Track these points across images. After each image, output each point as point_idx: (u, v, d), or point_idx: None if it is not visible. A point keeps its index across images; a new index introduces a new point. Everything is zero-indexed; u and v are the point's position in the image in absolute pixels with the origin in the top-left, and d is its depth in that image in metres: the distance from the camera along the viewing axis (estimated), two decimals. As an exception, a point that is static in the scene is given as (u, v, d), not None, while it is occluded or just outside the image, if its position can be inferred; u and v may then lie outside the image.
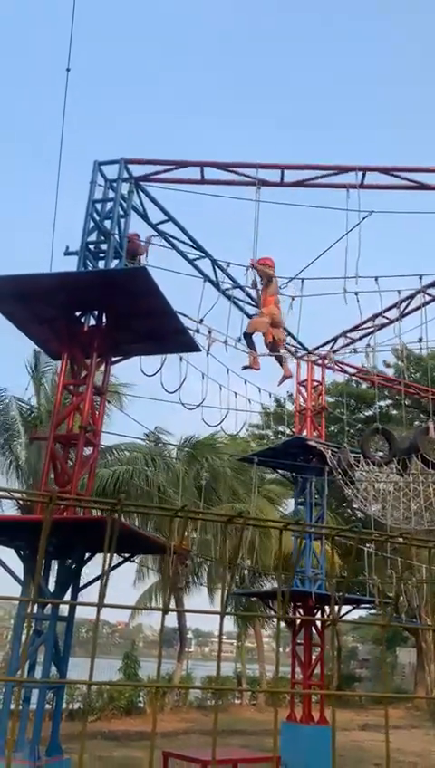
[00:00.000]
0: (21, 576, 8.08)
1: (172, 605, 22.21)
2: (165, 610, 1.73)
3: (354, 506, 13.88)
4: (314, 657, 13.86)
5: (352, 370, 16.39)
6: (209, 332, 10.82)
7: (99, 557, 8.56)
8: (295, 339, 14.39)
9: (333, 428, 24.52)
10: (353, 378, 19.47)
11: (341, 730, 17.70)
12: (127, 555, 9.04)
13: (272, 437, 28.96)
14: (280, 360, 11.47)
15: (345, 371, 16.32)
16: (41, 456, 17.54)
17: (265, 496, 24.37)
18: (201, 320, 10.76)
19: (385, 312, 13.27)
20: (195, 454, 21.66)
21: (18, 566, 8.19)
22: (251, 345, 11.06)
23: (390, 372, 27.21)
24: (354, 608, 15.59)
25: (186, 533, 20.55)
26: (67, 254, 9.50)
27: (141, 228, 10.99)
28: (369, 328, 13.86)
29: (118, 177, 10.19)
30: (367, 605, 16.12)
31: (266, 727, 16.87)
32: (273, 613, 15.34)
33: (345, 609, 15.46)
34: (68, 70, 9.41)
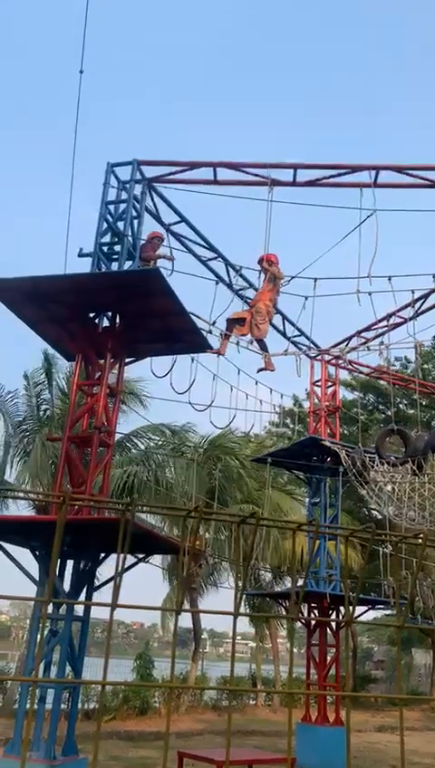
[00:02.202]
0: (36, 576, 8.12)
1: (187, 606, 22.23)
2: (178, 611, 1.74)
3: (371, 507, 13.81)
4: (329, 658, 13.82)
5: (367, 370, 16.32)
6: (222, 334, 10.80)
7: (115, 557, 8.59)
8: (309, 338, 14.35)
9: (348, 429, 24.39)
10: (369, 377, 19.40)
11: (356, 731, 17.62)
12: (141, 556, 9.06)
13: (292, 436, 28.85)
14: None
15: (359, 371, 16.26)
16: (50, 455, 17.68)
17: (289, 493, 24.29)
18: (214, 322, 10.75)
19: (399, 311, 13.21)
20: (210, 453, 21.65)
21: (34, 566, 8.25)
22: (264, 348, 11.07)
23: (407, 370, 27.02)
24: (370, 608, 15.52)
25: (201, 533, 20.59)
26: (81, 255, 9.54)
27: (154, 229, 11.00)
28: (383, 327, 13.80)
29: (131, 178, 10.22)
30: (382, 606, 16.04)
31: (282, 728, 16.82)
32: (287, 614, 15.30)
33: (361, 609, 15.42)
34: (81, 72, 9.45)
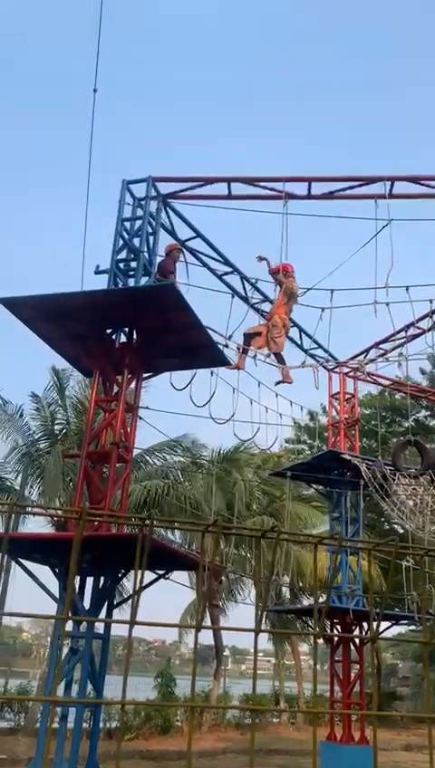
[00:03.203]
0: (57, 594, 8.09)
1: (208, 622, 22.04)
2: (198, 627, 1.70)
3: (393, 521, 13.63)
4: (353, 675, 13.59)
5: (386, 382, 16.19)
6: (239, 349, 10.77)
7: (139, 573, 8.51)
8: (326, 350, 14.27)
9: (369, 442, 24.19)
10: (388, 389, 19.25)
11: (382, 750, 17.29)
12: (161, 572, 9.00)
13: (308, 452, 28.68)
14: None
15: (378, 383, 16.14)
16: (67, 472, 17.71)
17: (315, 507, 24.09)
18: (230, 336, 10.72)
19: (417, 321, 13.11)
20: (228, 468, 21.55)
21: (55, 584, 8.22)
22: (281, 360, 11.04)
23: (424, 381, 26.81)
24: (393, 624, 15.25)
25: (221, 548, 20.45)
26: (97, 272, 9.60)
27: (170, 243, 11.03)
28: (401, 338, 13.70)
29: (146, 195, 10.28)
30: (405, 621, 15.77)
31: (305, 747, 16.55)
32: (309, 630, 15.10)
33: (384, 625, 15.17)
34: (95, 90, 9.55)
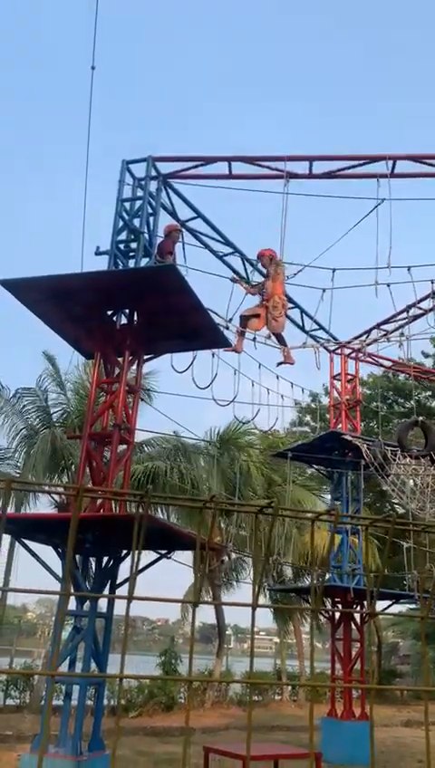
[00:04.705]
0: (60, 574, 8.17)
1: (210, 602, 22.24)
2: (195, 603, 1.72)
3: (393, 501, 13.69)
4: (353, 653, 13.75)
5: (387, 363, 16.18)
6: (238, 330, 10.76)
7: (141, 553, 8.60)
8: (327, 331, 14.24)
9: (371, 423, 24.22)
10: (390, 370, 19.24)
11: (383, 726, 17.52)
12: (163, 552, 9.08)
13: (311, 434, 28.74)
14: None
15: (380, 364, 16.13)
16: (66, 455, 17.82)
17: (309, 489, 24.18)
18: (230, 319, 10.71)
19: (419, 302, 13.07)
20: (226, 447, 21.59)
21: (59, 564, 8.30)
22: (282, 341, 11.03)
23: (428, 363, 26.76)
24: (394, 603, 15.40)
25: (223, 528, 20.57)
26: (98, 253, 9.56)
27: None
28: (403, 319, 13.66)
29: (146, 175, 10.21)
30: (406, 600, 15.92)
31: (307, 723, 16.68)
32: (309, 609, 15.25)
33: (386, 603, 15.31)
34: (93, 68, 9.45)
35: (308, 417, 30.28)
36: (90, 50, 9.34)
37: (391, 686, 29.87)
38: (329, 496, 17.21)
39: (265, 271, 11.01)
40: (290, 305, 13.10)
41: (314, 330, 14.08)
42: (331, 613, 14.33)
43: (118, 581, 8.61)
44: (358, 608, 13.88)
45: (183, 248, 10.90)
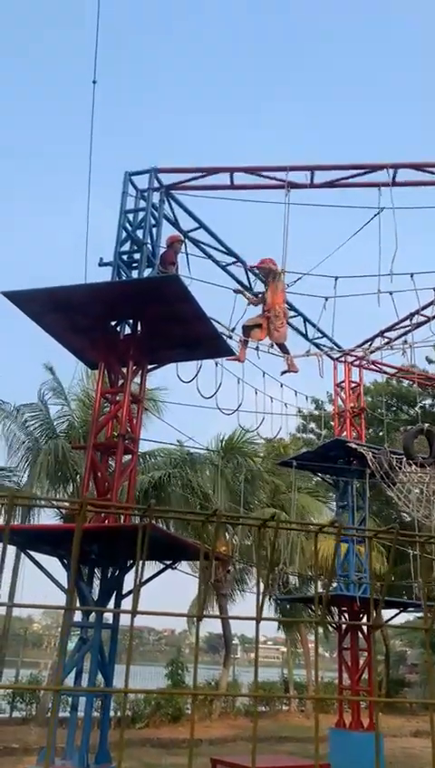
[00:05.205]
0: (66, 585, 8.16)
1: (216, 612, 22.16)
2: (199, 617, 1.72)
3: (400, 510, 13.65)
4: (361, 662, 13.66)
5: (391, 370, 16.17)
6: (241, 340, 10.78)
7: (146, 564, 8.58)
8: (331, 339, 14.25)
9: (372, 431, 24.18)
10: (394, 377, 19.22)
11: (392, 737, 17.41)
12: (168, 562, 9.06)
13: (316, 441, 28.71)
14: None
15: (384, 371, 16.12)
16: (70, 467, 17.84)
17: (314, 496, 24.13)
18: (233, 328, 10.74)
19: (422, 309, 13.08)
20: (229, 456, 21.58)
21: (64, 575, 8.29)
22: (285, 350, 11.06)
23: (432, 370, 26.74)
24: (401, 611, 15.31)
25: (227, 539, 20.53)
26: (101, 264, 9.60)
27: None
28: (406, 326, 13.67)
29: (148, 186, 10.27)
30: (413, 609, 15.84)
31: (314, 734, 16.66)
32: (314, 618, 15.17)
33: (392, 612, 15.23)
34: (94, 82, 9.52)
35: (313, 425, 30.27)
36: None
37: (399, 696, 29.68)
38: (335, 504, 17.17)
39: (265, 280, 11.05)
40: (293, 313, 13.12)
41: (318, 338, 14.10)
42: (335, 623, 14.26)
43: (124, 591, 8.60)
44: (364, 617, 13.81)
45: (186, 258, 10.96)
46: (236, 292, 11.23)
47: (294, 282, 10.99)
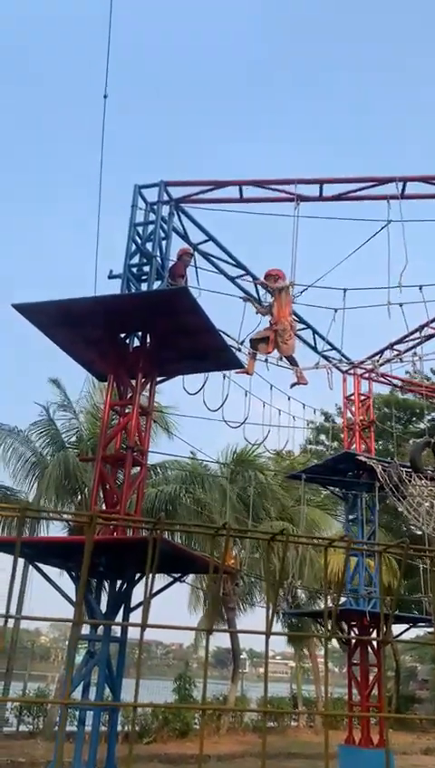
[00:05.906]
0: (74, 598, 8.13)
1: (224, 625, 22.02)
2: (209, 631, 1.71)
3: (410, 523, 13.55)
4: (371, 678, 13.51)
5: (400, 383, 16.12)
6: (249, 353, 10.78)
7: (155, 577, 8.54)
8: (340, 352, 14.23)
9: (381, 443, 24.07)
10: (403, 390, 19.15)
11: (402, 754, 17.17)
12: (177, 575, 9.01)
13: (325, 452, 28.61)
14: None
15: (393, 384, 16.07)
16: (79, 479, 17.86)
17: (323, 509, 24.03)
18: (242, 341, 10.75)
19: (432, 322, 13.05)
20: (238, 469, 21.55)
21: (73, 588, 8.26)
22: (293, 362, 11.04)
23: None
24: (411, 626, 15.16)
25: (236, 552, 20.42)
26: (111, 277, 9.66)
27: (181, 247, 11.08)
28: (416, 339, 13.63)
29: (158, 199, 10.34)
30: (424, 624, 15.68)
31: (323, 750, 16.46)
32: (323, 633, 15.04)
33: (403, 627, 15.08)
34: (105, 96, 9.62)
35: (323, 437, 30.20)
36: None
37: (409, 712, 29.30)
38: (344, 517, 17.06)
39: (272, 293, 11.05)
40: (301, 326, 13.11)
41: (327, 350, 14.07)
42: (344, 638, 14.13)
43: (132, 605, 8.56)
44: (374, 631, 13.68)
45: (196, 271, 10.99)
46: (244, 300, 11.25)
47: (300, 293, 10.99)
